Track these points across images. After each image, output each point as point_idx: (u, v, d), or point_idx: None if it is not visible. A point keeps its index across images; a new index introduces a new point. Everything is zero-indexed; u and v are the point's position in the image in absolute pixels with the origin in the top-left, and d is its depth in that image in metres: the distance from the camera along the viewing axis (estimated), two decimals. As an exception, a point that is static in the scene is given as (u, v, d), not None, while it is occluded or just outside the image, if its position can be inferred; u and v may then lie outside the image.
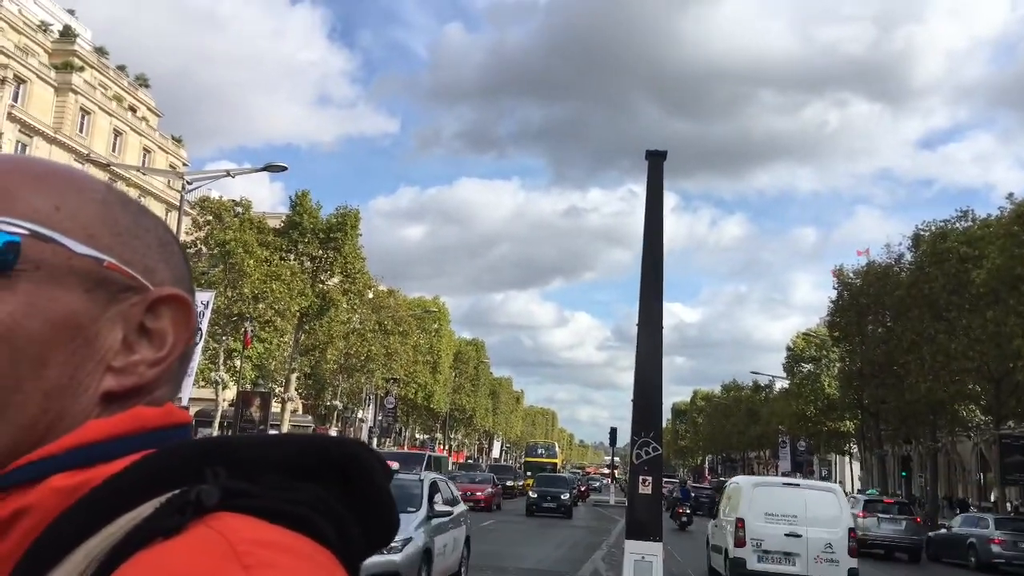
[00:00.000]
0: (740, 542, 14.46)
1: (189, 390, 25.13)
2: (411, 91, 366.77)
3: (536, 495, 35.05)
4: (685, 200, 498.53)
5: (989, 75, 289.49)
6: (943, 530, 27.78)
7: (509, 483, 46.79)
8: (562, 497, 34.78)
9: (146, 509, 0.59)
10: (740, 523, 14.56)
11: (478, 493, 33.95)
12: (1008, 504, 37.09)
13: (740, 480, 17.78)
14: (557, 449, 77.64)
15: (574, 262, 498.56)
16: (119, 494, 0.60)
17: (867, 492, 40.88)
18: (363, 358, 44.96)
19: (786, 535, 14.24)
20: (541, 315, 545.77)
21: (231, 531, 0.56)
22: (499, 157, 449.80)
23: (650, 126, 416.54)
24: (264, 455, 0.64)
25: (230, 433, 6.65)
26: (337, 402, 47.26)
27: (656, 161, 10.13)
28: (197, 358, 26.15)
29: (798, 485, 16.28)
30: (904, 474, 46.15)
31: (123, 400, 0.68)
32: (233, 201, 35.73)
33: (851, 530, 14.45)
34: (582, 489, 51.58)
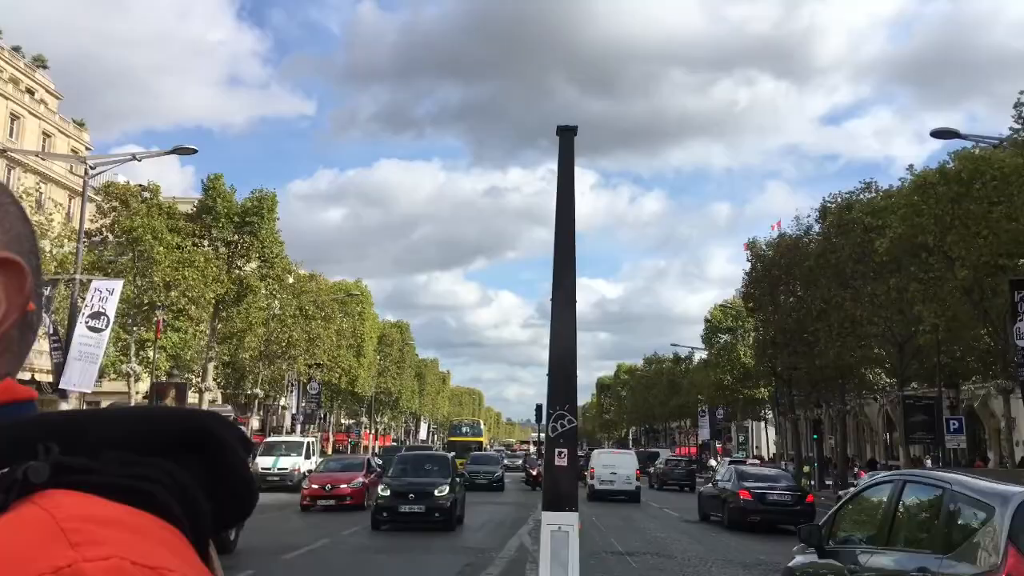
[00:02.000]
0: (591, 477, 33.79)
1: (92, 380, 24.34)
2: (325, 71, 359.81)
3: (389, 491, 20.42)
4: (604, 178, 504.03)
5: (887, 53, 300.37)
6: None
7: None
8: (436, 493, 20.37)
9: None
10: (592, 469, 34.16)
11: (342, 486, 25.58)
12: (929, 461, 39.01)
13: (594, 451, 42.30)
14: (483, 427, 77.45)
15: (496, 242, 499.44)
16: None
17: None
18: (284, 344, 44.20)
19: (610, 472, 33.54)
20: (465, 295, 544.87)
21: (58, 508, 0.54)
22: (418, 138, 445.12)
23: (567, 106, 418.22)
24: (109, 430, 0.62)
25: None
26: (258, 390, 46.39)
27: (567, 136, 10.17)
28: (106, 342, 25.29)
29: (614, 451, 41.70)
30: (815, 437, 47.95)
31: None
32: (140, 186, 34.55)
33: (637, 469, 34.43)
34: (534, 474, 40.23)
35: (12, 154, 41.07)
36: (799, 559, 7.58)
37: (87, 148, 53.35)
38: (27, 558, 0.50)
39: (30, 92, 51.13)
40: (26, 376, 30.26)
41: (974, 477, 5.84)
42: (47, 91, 54.35)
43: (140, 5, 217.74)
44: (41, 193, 40.89)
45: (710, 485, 26.62)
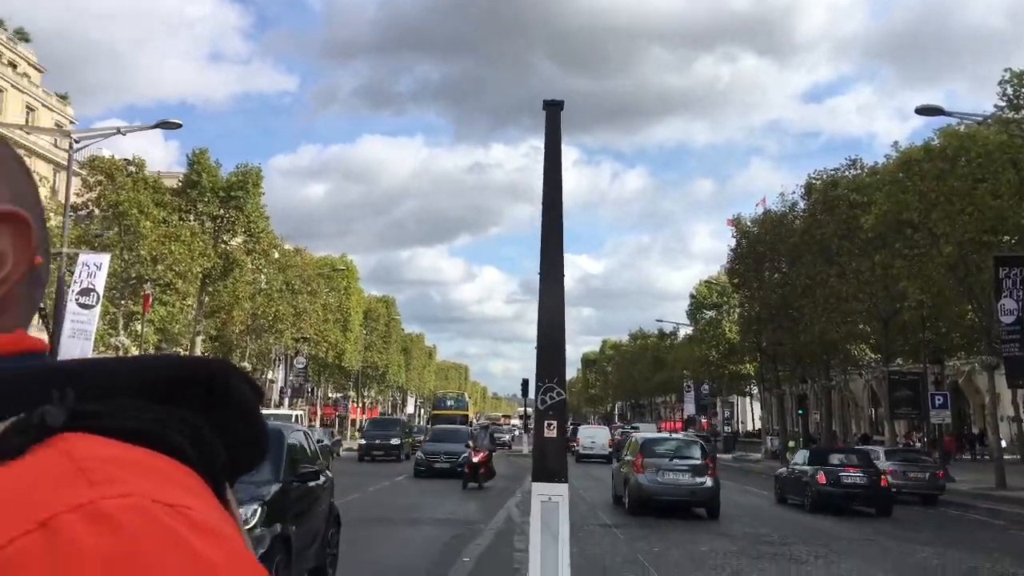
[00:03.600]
0: (576, 445, 44.91)
1: (89, 356, 24.30)
2: (306, 46, 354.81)
3: None
4: (587, 155, 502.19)
5: (867, 30, 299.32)
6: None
7: (395, 441, 39.14)
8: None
9: None
10: (577, 439, 45.54)
11: None
12: (924, 438, 39.46)
13: (580, 426, 53.84)
14: (468, 400, 76.19)
15: (480, 217, 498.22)
16: None
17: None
18: (271, 318, 44.21)
19: (591, 442, 45.70)
20: (449, 270, 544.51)
21: (76, 449, 0.55)
22: (399, 114, 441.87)
23: (548, 83, 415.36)
24: (118, 378, 0.63)
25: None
26: (246, 363, 46.36)
27: (553, 111, 10.15)
28: (97, 317, 25.23)
29: (593, 426, 56.71)
30: (801, 412, 48.41)
31: None
32: (125, 160, 34.29)
33: (609, 439, 45.60)
34: (475, 461, 25.30)
35: (-5, 127, 40.55)
36: (614, 465, 24.41)
37: (71, 122, 52.78)
38: (47, 497, 0.51)
39: (12, 65, 50.49)
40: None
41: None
42: (30, 64, 53.65)
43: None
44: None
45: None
